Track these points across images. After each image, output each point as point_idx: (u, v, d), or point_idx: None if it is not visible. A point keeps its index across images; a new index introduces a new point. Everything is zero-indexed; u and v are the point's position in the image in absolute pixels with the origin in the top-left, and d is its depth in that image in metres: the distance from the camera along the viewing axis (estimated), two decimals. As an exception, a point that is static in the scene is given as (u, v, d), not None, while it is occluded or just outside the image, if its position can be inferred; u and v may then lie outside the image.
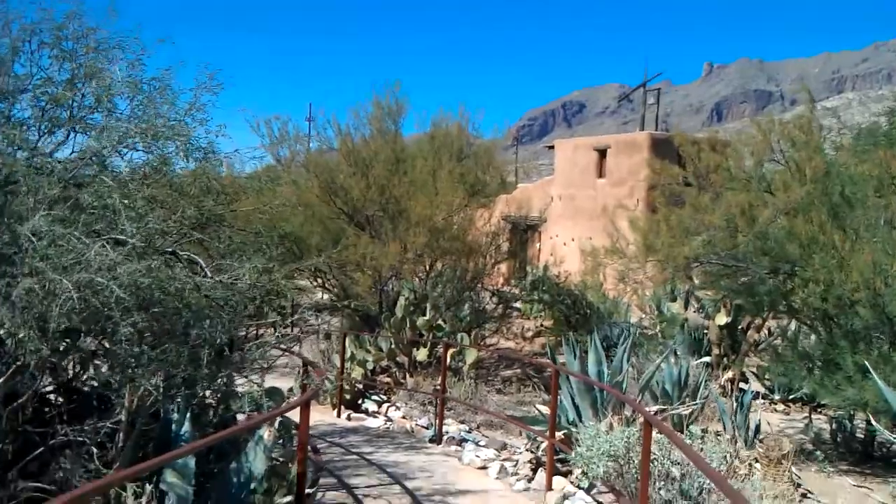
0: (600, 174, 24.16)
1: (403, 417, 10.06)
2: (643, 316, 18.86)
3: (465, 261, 14.01)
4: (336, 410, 10.54)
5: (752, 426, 7.80)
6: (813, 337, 9.17)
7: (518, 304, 17.84)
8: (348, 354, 11.18)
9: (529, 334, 18.67)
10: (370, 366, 11.02)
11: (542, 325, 18.93)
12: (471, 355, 11.28)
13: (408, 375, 11.15)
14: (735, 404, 7.99)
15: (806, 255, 7.56)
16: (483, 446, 8.70)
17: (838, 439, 9.50)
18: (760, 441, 7.46)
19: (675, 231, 8.39)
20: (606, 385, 7.25)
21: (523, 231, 22.80)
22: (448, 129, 13.04)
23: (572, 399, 7.77)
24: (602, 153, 24.05)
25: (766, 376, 13.93)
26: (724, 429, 7.78)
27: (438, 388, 9.14)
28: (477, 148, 13.35)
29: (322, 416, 10.67)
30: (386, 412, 10.59)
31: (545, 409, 8.32)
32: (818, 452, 8.31)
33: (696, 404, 8.53)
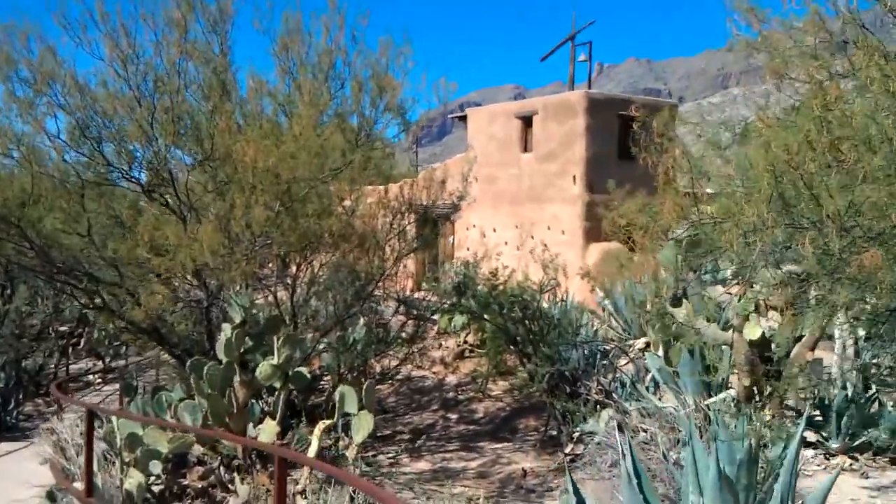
0: (525, 148, 19.47)
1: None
2: (602, 325, 13.93)
3: (355, 255, 8.75)
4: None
5: None
6: None
7: (436, 317, 12.63)
8: (120, 438, 5.65)
9: (450, 358, 13.51)
10: (157, 469, 5.47)
11: (465, 344, 13.82)
12: (362, 426, 5.93)
13: (237, 477, 5.67)
14: None
15: None
16: None
17: None
18: None
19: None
20: None
21: (433, 221, 17.65)
22: (311, 36, 7.58)
23: None
24: (527, 121, 19.34)
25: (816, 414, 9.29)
26: None
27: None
28: (359, 68, 7.95)
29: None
30: (191, 560, 5.17)
31: None
32: None
33: None
